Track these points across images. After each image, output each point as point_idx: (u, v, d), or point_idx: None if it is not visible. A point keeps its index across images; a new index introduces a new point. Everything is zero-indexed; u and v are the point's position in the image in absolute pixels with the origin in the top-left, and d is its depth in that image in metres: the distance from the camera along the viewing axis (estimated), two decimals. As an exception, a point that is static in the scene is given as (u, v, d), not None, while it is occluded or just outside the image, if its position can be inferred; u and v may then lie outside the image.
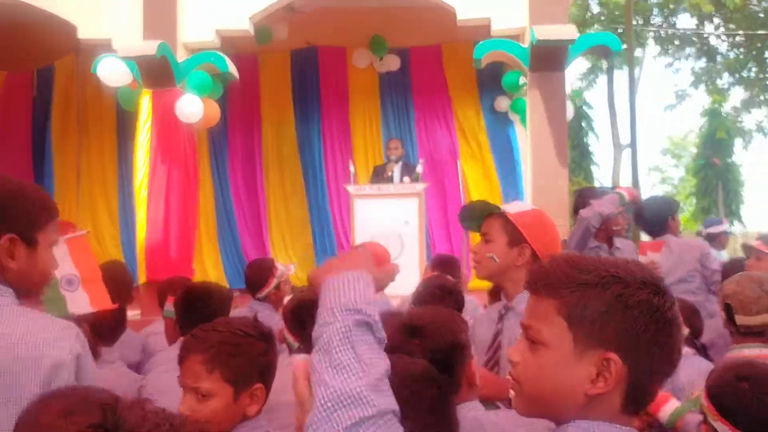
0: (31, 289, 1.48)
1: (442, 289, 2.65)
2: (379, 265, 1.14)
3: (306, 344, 2.42)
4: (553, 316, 0.98)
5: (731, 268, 3.93)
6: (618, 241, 4.01)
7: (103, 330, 2.64)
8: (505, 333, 2.04)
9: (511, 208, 2.07)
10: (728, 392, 1.54)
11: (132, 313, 4.56)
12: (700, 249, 4.16)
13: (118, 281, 2.90)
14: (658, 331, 0.94)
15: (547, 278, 1.00)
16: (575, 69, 20.13)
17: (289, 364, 2.33)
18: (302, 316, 2.46)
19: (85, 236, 1.62)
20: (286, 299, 3.54)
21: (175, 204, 5.73)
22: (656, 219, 4.20)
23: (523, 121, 6.58)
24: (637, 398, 0.96)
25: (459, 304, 2.66)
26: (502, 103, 8.06)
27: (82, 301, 1.52)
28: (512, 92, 7.75)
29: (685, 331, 2.66)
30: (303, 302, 2.52)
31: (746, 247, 4.37)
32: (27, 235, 1.41)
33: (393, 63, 8.37)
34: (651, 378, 0.96)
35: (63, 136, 8.46)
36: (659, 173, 34.09)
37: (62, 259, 1.42)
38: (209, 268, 8.17)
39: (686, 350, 2.65)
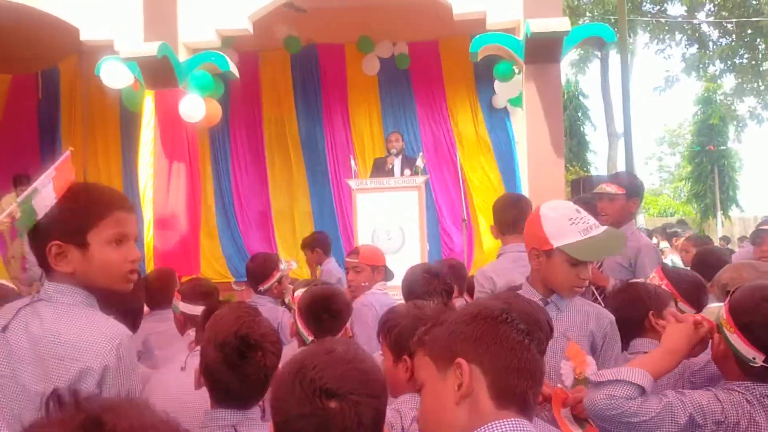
0: (101, 286, 1.54)
1: (429, 272, 2.76)
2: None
3: (320, 338, 2.42)
4: (423, 359, 1.22)
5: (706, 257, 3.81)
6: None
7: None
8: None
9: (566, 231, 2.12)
10: (749, 309, 1.58)
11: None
12: None
13: None
14: (494, 333, 1.15)
15: (413, 338, 1.28)
16: (567, 57, 20.19)
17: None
18: (318, 310, 2.49)
19: (69, 155, 1.65)
20: (289, 292, 3.69)
21: (180, 203, 5.81)
22: None
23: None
24: (504, 393, 1.12)
25: (447, 286, 2.77)
26: (501, 96, 8.14)
27: (47, 198, 1.47)
28: (504, 81, 7.84)
29: (690, 311, 2.72)
30: (317, 297, 2.54)
31: (762, 231, 4.28)
32: (76, 239, 1.49)
33: (385, 50, 8.44)
34: (506, 373, 1.13)
35: (70, 138, 8.53)
36: (657, 161, 34.21)
37: (45, 186, 1.45)
38: (213, 263, 8.27)
39: None
